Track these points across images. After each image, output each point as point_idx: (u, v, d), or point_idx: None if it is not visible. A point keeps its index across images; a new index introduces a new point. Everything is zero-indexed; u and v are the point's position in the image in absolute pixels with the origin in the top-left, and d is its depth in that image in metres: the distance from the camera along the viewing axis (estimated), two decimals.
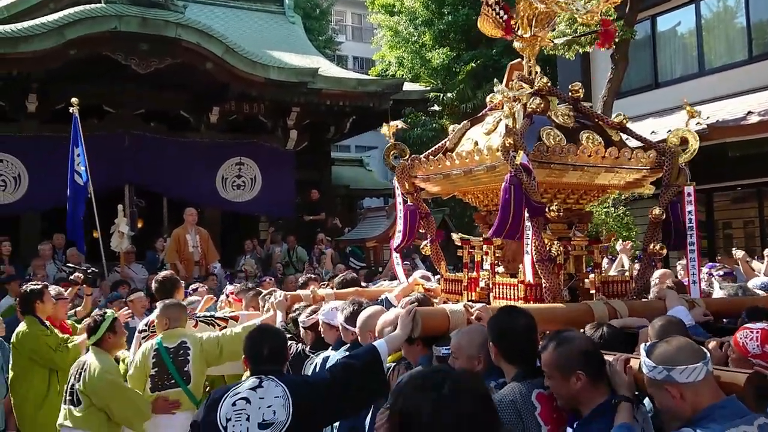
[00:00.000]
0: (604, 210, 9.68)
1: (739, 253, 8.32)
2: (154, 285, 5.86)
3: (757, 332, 2.85)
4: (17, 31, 10.35)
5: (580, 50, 11.24)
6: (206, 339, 4.86)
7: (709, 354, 2.44)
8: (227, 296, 6.22)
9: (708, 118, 11.34)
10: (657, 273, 6.81)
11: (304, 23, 19.90)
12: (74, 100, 9.58)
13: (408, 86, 15.82)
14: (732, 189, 13.06)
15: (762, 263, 8.46)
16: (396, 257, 5.37)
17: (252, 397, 3.08)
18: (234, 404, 3.07)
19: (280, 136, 14.18)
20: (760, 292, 5.31)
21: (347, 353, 3.74)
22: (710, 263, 8.00)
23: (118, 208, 9.88)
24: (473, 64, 18.43)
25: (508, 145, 3.80)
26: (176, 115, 13.34)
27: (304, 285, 6.81)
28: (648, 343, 2.56)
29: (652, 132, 11.93)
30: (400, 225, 5.09)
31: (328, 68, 15.14)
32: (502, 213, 3.79)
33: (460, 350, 3.17)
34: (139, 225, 14.35)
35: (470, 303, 3.69)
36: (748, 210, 13.23)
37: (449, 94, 18.45)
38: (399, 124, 5.10)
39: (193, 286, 7.48)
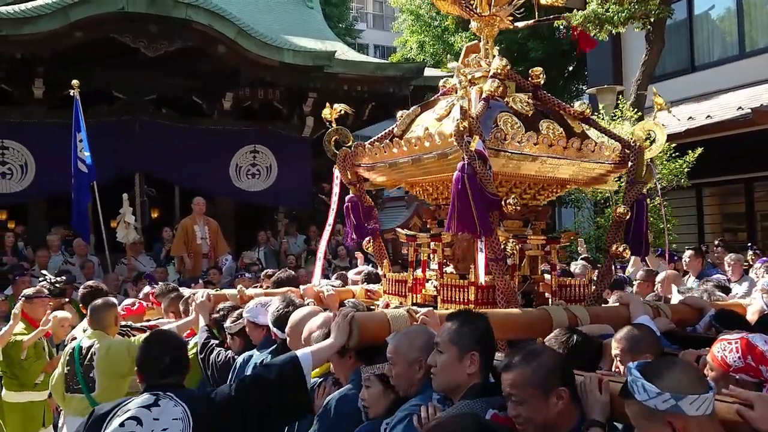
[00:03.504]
0: None
1: None
2: (81, 291, 5.41)
3: (736, 342, 2.50)
4: (20, 12, 9.93)
5: (613, 30, 10.58)
6: (115, 346, 4.49)
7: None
8: (149, 298, 5.64)
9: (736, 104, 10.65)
10: (661, 276, 6.24)
11: (323, 9, 19.37)
12: (75, 82, 9.10)
13: (429, 72, 15.20)
14: None
15: None
16: (320, 254, 5.10)
17: (145, 417, 2.60)
18: (122, 425, 2.59)
19: (297, 124, 13.66)
20: (723, 295, 4.87)
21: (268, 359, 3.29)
22: (764, 258, 7.38)
23: (123, 197, 9.42)
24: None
25: (462, 129, 3.37)
26: (189, 102, 12.91)
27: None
28: (639, 362, 2.08)
29: (690, 118, 11.28)
30: (331, 218, 4.93)
31: (345, 52, 14.58)
32: (452, 205, 3.38)
33: (398, 355, 2.75)
34: (154, 215, 13.98)
35: (414, 308, 3.28)
36: None
37: None
38: (342, 108, 4.68)
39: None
